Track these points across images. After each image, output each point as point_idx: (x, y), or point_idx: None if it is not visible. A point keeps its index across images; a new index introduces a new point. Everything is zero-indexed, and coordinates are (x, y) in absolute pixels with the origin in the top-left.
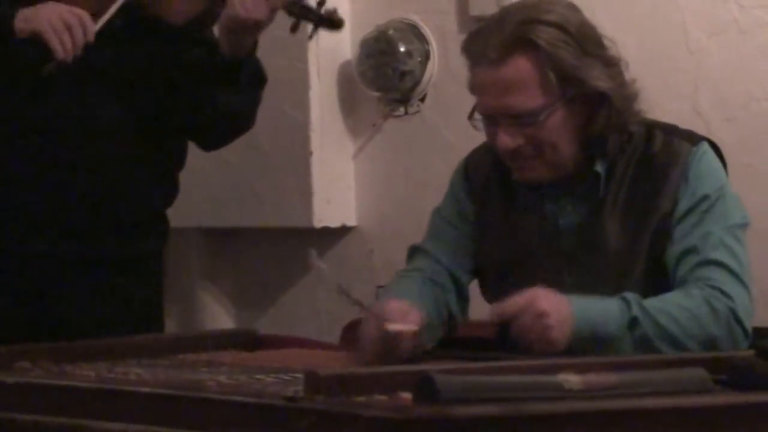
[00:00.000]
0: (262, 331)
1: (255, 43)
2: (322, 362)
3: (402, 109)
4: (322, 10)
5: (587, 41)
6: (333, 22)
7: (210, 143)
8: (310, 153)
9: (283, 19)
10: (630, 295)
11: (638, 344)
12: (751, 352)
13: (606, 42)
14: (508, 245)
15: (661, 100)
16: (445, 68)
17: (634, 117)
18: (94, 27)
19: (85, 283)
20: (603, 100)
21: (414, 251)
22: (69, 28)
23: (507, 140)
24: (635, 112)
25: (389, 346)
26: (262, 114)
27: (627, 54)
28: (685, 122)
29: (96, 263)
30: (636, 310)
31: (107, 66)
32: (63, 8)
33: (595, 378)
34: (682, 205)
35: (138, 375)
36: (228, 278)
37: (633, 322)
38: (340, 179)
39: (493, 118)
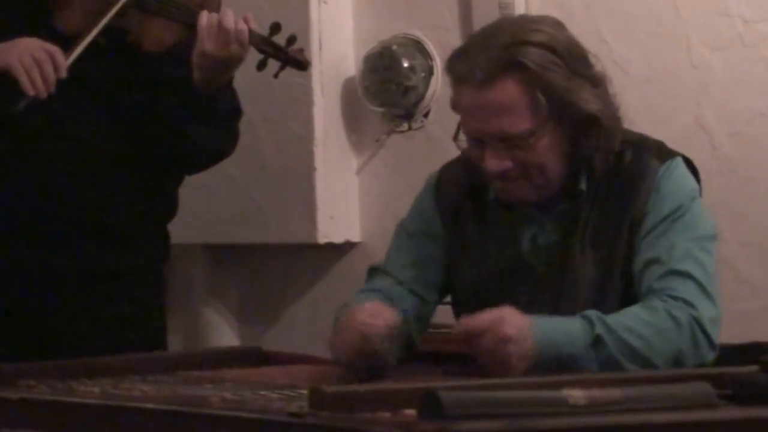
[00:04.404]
0: (266, 348)
1: (230, 78)
2: (327, 378)
3: (406, 125)
4: (290, 50)
5: (575, 61)
6: (299, 63)
7: (185, 170)
8: (314, 169)
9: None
10: (592, 313)
11: (604, 362)
12: (756, 367)
13: (591, 59)
14: (482, 265)
15: (665, 115)
16: (449, 84)
17: (620, 136)
18: (66, 62)
19: (78, 297)
20: (592, 122)
21: (373, 272)
22: (39, 65)
23: (495, 163)
24: (622, 130)
25: (365, 346)
26: (266, 130)
27: (631, 69)
28: (689, 137)
29: (89, 276)
30: (600, 329)
31: (93, 80)
32: (35, 44)
33: (599, 393)
34: (651, 219)
35: (142, 391)
36: (232, 294)
37: (597, 341)
38: (344, 195)
39: (480, 140)
